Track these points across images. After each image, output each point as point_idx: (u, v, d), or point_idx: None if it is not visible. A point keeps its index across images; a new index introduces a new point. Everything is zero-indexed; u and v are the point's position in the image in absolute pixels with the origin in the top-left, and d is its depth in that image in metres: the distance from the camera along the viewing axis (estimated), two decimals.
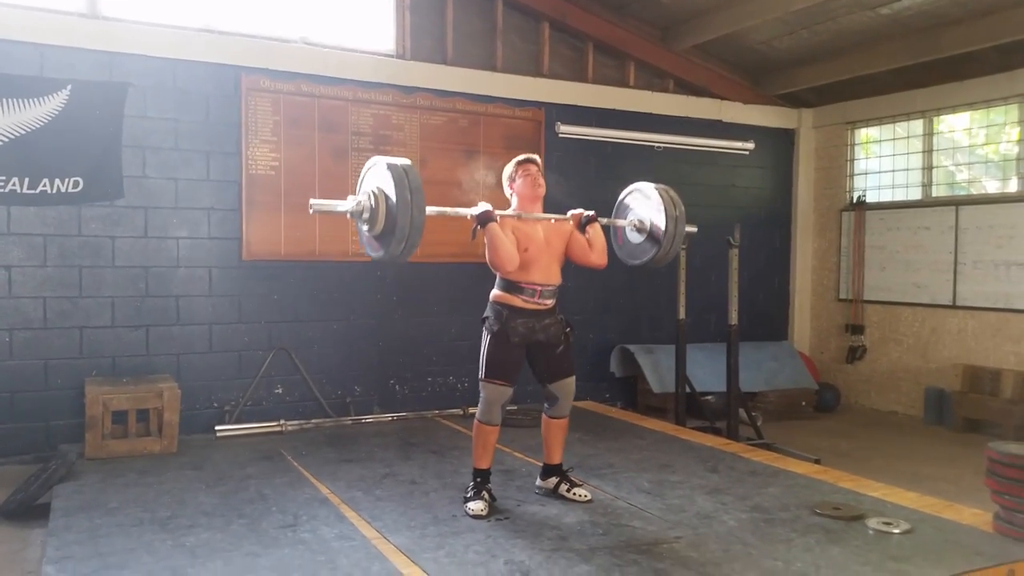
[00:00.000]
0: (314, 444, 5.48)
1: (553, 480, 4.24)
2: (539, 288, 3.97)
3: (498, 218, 3.89)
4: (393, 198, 3.42)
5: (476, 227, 3.86)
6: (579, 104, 7.32)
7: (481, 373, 4.03)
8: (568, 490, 4.17)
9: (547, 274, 4.01)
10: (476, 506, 3.92)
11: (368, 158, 6.36)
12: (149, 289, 5.73)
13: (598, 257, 4.13)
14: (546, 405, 4.19)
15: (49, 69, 5.39)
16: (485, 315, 4.06)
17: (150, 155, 5.70)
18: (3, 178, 5.23)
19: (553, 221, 4.12)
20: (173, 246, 5.80)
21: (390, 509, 4.02)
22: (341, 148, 6.33)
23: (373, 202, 3.52)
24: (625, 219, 4.51)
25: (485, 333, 4.02)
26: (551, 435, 4.21)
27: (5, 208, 5.31)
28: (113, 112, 5.53)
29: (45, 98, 5.35)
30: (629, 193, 4.57)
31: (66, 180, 5.39)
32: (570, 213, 4.18)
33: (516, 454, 5.11)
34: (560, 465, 4.26)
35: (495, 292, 4.06)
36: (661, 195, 4.32)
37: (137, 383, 5.36)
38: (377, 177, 3.56)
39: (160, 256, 5.76)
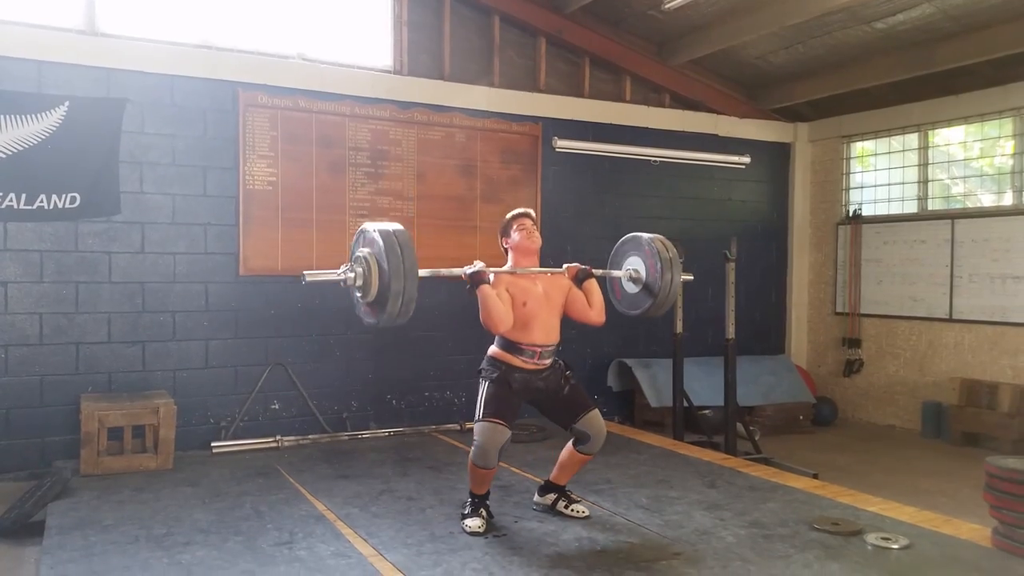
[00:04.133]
0: (310, 460, 5.47)
1: (551, 496, 4.22)
2: (539, 350, 3.93)
3: (491, 278, 3.86)
4: (385, 264, 3.37)
5: (469, 286, 3.83)
6: (576, 119, 7.35)
7: (478, 414, 3.90)
8: (566, 506, 4.16)
9: (547, 333, 3.96)
10: (473, 523, 3.90)
11: (365, 173, 6.48)
12: (146, 305, 5.72)
13: (597, 315, 4.10)
14: (578, 443, 4.04)
15: (47, 85, 5.40)
16: (481, 368, 4.01)
17: (147, 171, 5.71)
18: (0, 194, 5.23)
19: (550, 275, 4.09)
20: (170, 262, 5.80)
21: (387, 526, 4.01)
22: (338, 163, 6.34)
23: (366, 269, 3.47)
24: (620, 270, 4.49)
25: (482, 382, 3.95)
26: (571, 463, 4.13)
27: (2, 224, 5.31)
28: (111, 128, 5.54)
29: (43, 114, 5.35)
30: (622, 244, 4.55)
31: (63, 196, 5.39)
32: (565, 266, 4.17)
33: (513, 469, 5.09)
34: (564, 486, 4.23)
35: (494, 349, 4.00)
36: (654, 244, 4.31)
37: (133, 399, 5.34)
38: (369, 242, 3.51)
39: (157, 272, 5.76)
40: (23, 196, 5.29)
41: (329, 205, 6.29)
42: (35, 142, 5.33)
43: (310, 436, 6.05)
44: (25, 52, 5.35)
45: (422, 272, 3.50)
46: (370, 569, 3.43)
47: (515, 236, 4.05)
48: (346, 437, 6.14)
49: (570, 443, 4.10)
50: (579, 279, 4.12)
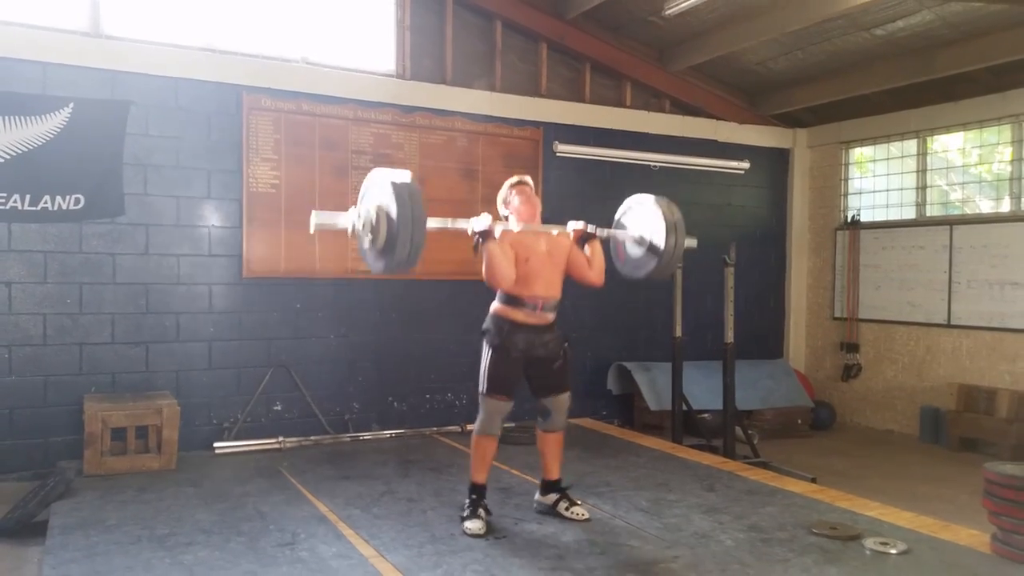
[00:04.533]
0: (312, 461, 5.49)
1: (552, 497, 4.25)
2: (540, 301, 4.00)
3: (498, 234, 3.90)
4: (394, 213, 3.43)
5: (478, 240, 3.88)
6: (577, 124, 7.38)
7: (482, 388, 4.04)
8: (567, 508, 4.18)
9: (548, 287, 4.04)
10: (474, 525, 3.93)
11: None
12: (149, 306, 5.75)
13: (596, 276, 4.16)
14: (540, 419, 4.22)
15: (52, 87, 5.42)
16: (485, 327, 4.07)
17: (152, 173, 5.74)
18: (4, 195, 5.26)
19: (555, 233, 4.15)
20: (174, 263, 5.83)
21: (388, 527, 4.04)
22: (341, 166, 6.37)
23: (374, 216, 3.54)
24: (625, 231, 4.50)
25: (486, 347, 4.03)
26: (547, 449, 4.23)
27: (6, 225, 5.33)
28: (115, 130, 5.57)
29: (47, 115, 5.38)
30: (628, 207, 4.54)
31: (67, 197, 5.42)
32: (570, 224, 4.20)
33: (514, 471, 5.12)
34: (559, 481, 4.26)
35: (496, 305, 4.08)
36: (659, 205, 4.32)
37: (136, 400, 5.37)
38: (378, 191, 3.57)
39: (161, 273, 5.78)
40: (27, 197, 5.32)
41: (332, 208, 6.19)
42: (40, 143, 5.35)
43: (312, 437, 6.07)
44: (30, 54, 5.37)
45: (430, 223, 3.55)
46: (371, 570, 3.45)
47: (515, 200, 4.13)
48: (348, 439, 6.16)
49: (538, 430, 4.23)
50: (582, 241, 4.17)
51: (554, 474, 4.25)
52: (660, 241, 4.24)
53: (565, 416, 4.20)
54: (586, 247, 4.17)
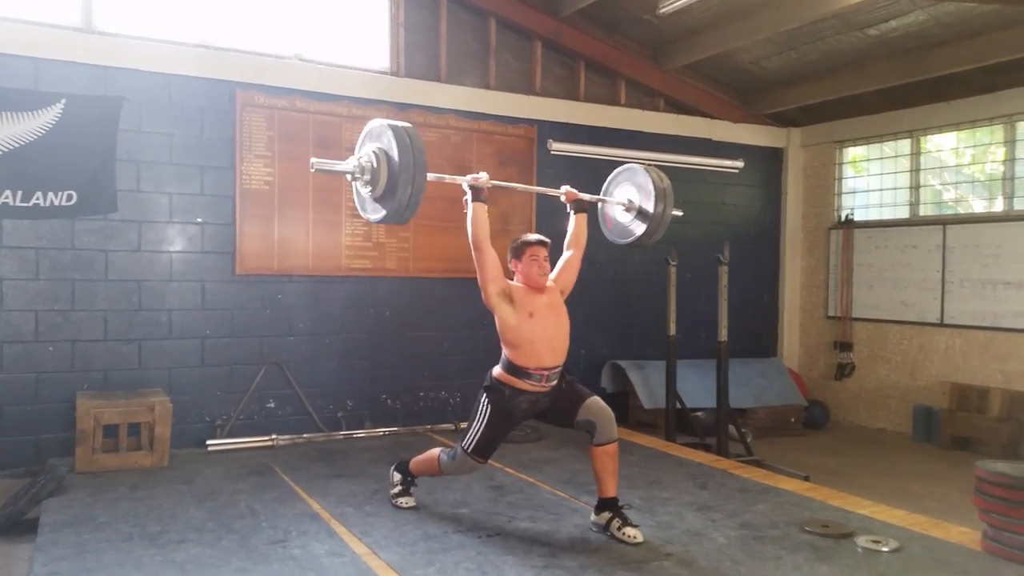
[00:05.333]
0: (305, 459, 5.48)
1: (606, 515, 3.91)
2: (547, 372, 3.88)
3: (486, 194, 3.96)
4: (395, 154, 3.45)
5: (467, 198, 3.94)
6: (571, 122, 7.39)
7: (467, 445, 3.95)
8: (619, 528, 3.84)
9: (555, 352, 3.91)
10: (409, 501, 4.31)
11: None
12: (142, 303, 5.73)
13: (580, 252, 4.25)
14: (590, 437, 3.92)
15: (44, 83, 5.40)
16: (485, 385, 3.97)
17: (144, 169, 5.72)
18: None
19: (549, 285, 4.05)
20: (166, 260, 5.81)
21: (380, 525, 4.03)
22: None
23: (374, 160, 3.53)
24: (614, 197, 4.58)
25: (484, 404, 3.92)
26: (601, 465, 3.90)
27: None
28: (108, 126, 5.54)
29: (39, 111, 5.35)
30: (617, 174, 4.63)
31: (60, 193, 5.39)
32: (564, 188, 4.31)
33: (507, 470, 5.12)
34: (615, 499, 3.92)
35: (499, 372, 3.94)
36: (650, 173, 4.40)
37: (129, 397, 5.35)
38: (377, 136, 3.59)
39: (153, 270, 5.76)
40: (19, 193, 5.29)
41: (325, 205, 6.31)
42: (31, 139, 5.32)
43: (305, 435, 6.06)
44: (22, 49, 5.35)
45: (427, 176, 3.59)
46: (364, 568, 3.45)
47: (525, 266, 3.98)
48: (341, 436, 6.15)
49: (591, 448, 3.93)
50: (576, 208, 4.29)
51: (610, 491, 3.91)
52: (649, 206, 4.36)
53: (611, 421, 3.90)
54: (573, 217, 4.27)
